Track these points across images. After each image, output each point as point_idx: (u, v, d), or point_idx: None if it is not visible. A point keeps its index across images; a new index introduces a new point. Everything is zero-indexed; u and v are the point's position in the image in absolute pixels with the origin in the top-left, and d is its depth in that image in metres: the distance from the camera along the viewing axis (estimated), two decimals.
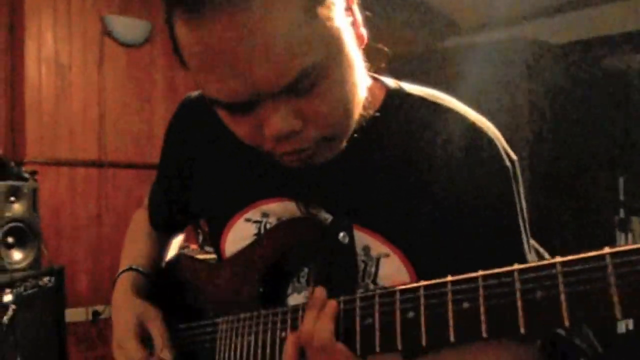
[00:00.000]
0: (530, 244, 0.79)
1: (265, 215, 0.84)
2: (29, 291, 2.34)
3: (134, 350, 0.86)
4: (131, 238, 1.07)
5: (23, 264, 2.43)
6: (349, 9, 0.69)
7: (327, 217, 0.78)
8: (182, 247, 1.15)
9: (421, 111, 0.78)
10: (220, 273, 0.88)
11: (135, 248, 1.04)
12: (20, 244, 2.44)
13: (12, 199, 2.41)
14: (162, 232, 1.05)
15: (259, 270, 0.80)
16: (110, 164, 3.54)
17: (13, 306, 2.20)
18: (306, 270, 0.81)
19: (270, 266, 0.79)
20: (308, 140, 0.68)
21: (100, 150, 3.53)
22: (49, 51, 3.34)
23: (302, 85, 0.63)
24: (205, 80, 0.64)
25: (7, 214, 2.37)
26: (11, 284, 2.24)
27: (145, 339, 0.88)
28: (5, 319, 2.15)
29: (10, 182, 2.43)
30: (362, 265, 0.77)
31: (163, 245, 1.06)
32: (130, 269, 0.97)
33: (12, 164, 2.45)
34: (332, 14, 0.64)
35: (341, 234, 0.73)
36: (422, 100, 0.79)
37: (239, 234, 0.85)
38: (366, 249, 0.77)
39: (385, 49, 0.82)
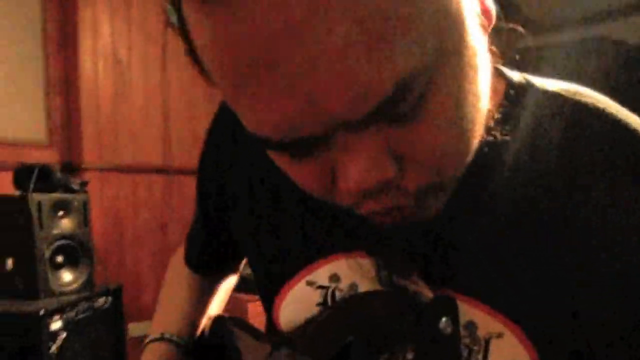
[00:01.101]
0: None
1: (334, 278, 0.63)
2: (81, 315, 2.26)
3: None
4: (166, 291, 0.90)
5: (74, 286, 2.35)
6: None
7: (422, 289, 0.57)
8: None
9: (559, 120, 0.55)
10: (275, 357, 0.66)
11: (170, 306, 0.86)
12: (70, 263, 2.36)
13: (61, 213, 2.33)
14: (204, 275, 0.87)
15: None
16: (177, 170, 3.50)
17: (63, 333, 2.13)
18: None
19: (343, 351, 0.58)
20: (407, 193, 0.47)
21: (165, 155, 3.49)
22: (105, 46, 3.28)
23: (400, 107, 0.41)
24: (242, 107, 0.43)
25: (55, 231, 2.29)
26: (61, 309, 2.16)
27: None
28: (54, 348, 2.08)
29: (58, 195, 2.34)
30: (465, 352, 0.57)
31: (204, 293, 0.87)
32: (162, 338, 0.79)
33: (59, 174, 2.35)
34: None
35: (443, 321, 0.54)
36: (562, 101, 0.56)
37: (299, 302, 0.66)
38: (471, 327, 0.57)
39: (518, 27, 0.57)
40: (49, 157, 3.18)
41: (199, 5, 0.38)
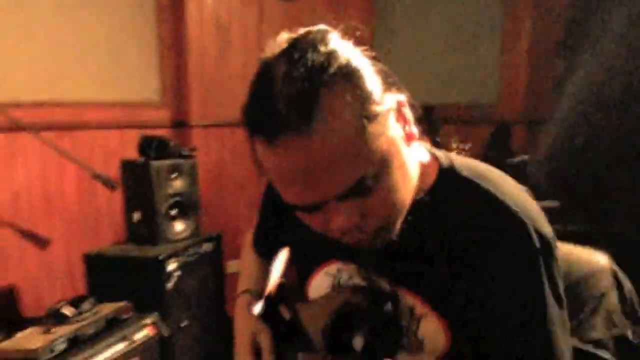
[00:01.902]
0: (564, 321, 0.97)
1: (339, 271, 1.14)
2: (191, 258, 2.91)
3: (248, 357, 1.20)
4: (245, 261, 1.46)
5: (185, 234, 2.99)
6: (399, 111, 0.91)
7: (383, 284, 1.05)
8: None
9: (463, 196, 0.99)
10: (305, 310, 1.18)
11: (248, 272, 1.42)
12: (182, 216, 3.00)
13: (174, 175, 2.95)
14: (262, 256, 1.42)
15: (326, 320, 1.09)
16: None
17: (177, 273, 2.77)
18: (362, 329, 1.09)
19: (335, 319, 1.08)
20: (367, 232, 0.92)
21: None
22: (209, 13, 3.75)
23: (360, 190, 0.85)
24: (280, 188, 0.90)
25: (170, 190, 2.92)
26: (175, 254, 2.80)
27: (257, 350, 1.21)
28: (170, 284, 2.73)
29: (172, 161, 2.94)
30: (406, 324, 1.03)
31: (266, 267, 1.41)
32: (247, 291, 1.34)
33: (172, 143, 2.94)
34: (382, 129, 0.86)
35: (387, 305, 1.02)
36: (467, 183, 0.99)
37: (319, 284, 1.17)
38: (412, 309, 1.02)
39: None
40: (161, 116, 3.78)
41: (263, 145, 0.84)
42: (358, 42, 0.91)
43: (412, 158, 0.96)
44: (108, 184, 2.97)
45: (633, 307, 1.39)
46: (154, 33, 3.75)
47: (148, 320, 2.47)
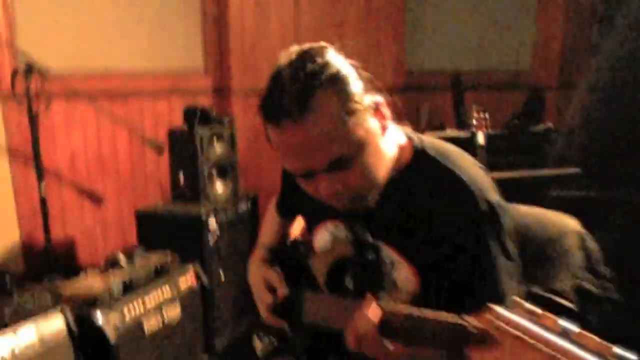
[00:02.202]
0: (513, 272, 1.24)
1: (336, 227, 1.46)
2: (230, 216, 3.26)
3: (265, 296, 1.52)
4: (267, 220, 1.80)
5: (224, 195, 3.34)
6: (377, 109, 1.22)
7: (368, 238, 1.36)
8: None
9: (428, 171, 1.29)
10: (314, 259, 1.51)
11: (267, 230, 1.76)
12: (222, 178, 3.36)
13: (215, 142, 3.30)
14: (284, 218, 1.74)
15: (327, 267, 1.43)
16: None
17: (217, 229, 3.12)
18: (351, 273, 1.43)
19: (333, 266, 1.42)
20: (346, 198, 1.23)
21: None
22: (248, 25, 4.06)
23: (340, 165, 1.17)
24: (284, 159, 1.23)
25: (211, 155, 3.27)
26: (215, 212, 3.15)
27: (272, 290, 1.52)
28: (211, 239, 3.08)
29: (213, 129, 3.29)
30: (386, 270, 1.33)
31: (284, 225, 1.74)
32: (263, 245, 1.68)
33: (214, 113, 3.27)
34: (359, 121, 1.17)
35: (369, 253, 1.33)
36: (433, 161, 1.29)
37: (321, 235, 1.50)
38: (390, 259, 1.32)
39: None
40: (204, 83, 4.11)
41: (272, 127, 1.16)
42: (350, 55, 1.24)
43: (388, 144, 1.27)
44: (156, 147, 3.32)
45: (595, 264, 1.66)
46: (198, 8, 4.08)
47: (190, 271, 2.80)
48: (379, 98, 1.24)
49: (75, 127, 3.58)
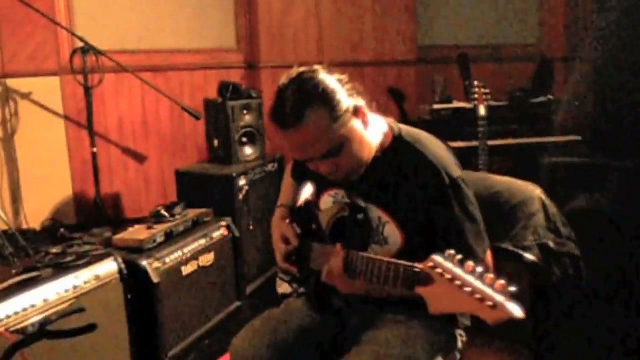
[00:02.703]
0: (479, 231, 1.46)
1: (337, 194, 1.64)
2: (257, 176, 3.40)
3: (281, 246, 1.67)
4: (284, 184, 1.92)
5: (253, 157, 3.49)
6: (358, 111, 1.42)
7: (360, 202, 1.55)
8: None
9: (404, 153, 1.51)
10: (320, 217, 1.64)
11: (285, 192, 1.89)
12: (251, 142, 3.50)
13: (245, 112, 3.43)
14: (297, 181, 1.87)
15: (329, 223, 1.59)
16: (328, 63, 4.27)
17: (246, 187, 3.26)
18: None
19: (334, 222, 1.58)
20: (339, 175, 1.48)
21: (319, 53, 4.34)
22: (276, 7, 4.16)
23: (331, 154, 1.40)
24: (289, 150, 1.45)
25: (242, 123, 3.41)
26: (245, 172, 3.29)
27: (287, 241, 1.68)
28: (241, 196, 3.23)
29: (243, 101, 3.43)
30: (375, 227, 1.52)
31: (297, 188, 1.85)
32: (281, 205, 1.83)
33: (244, 87, 3.40)
34: (343, 124, 1.39)
35: (360, 214, 1.52)
36: (407, 144, 1.51)
37: (325, 200, 1.67)
38: (380, 218, 1.52)
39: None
40: (236, 59, 4.24)
41: (279, 131, 1.39)
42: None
43: (373, 133, 1.50)
44: (193, 114, 3.47)
45: (555, 225, 1.80)
46: None
47: (223, 223, 2.94)
48: (360, 101, 1.44)
49: (123, 97, 3.75)
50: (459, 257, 1.12)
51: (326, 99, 1.37)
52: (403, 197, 1.48)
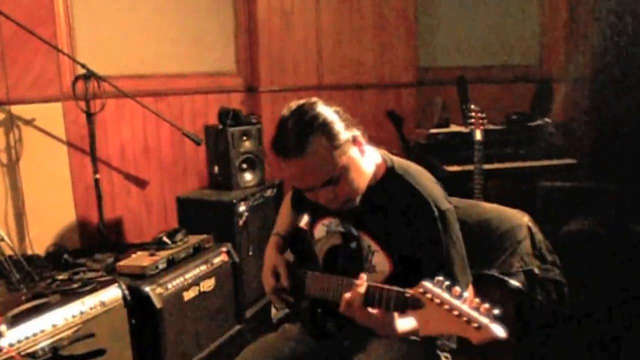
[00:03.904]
0: (463, 264, 1.60)
1: (330, 222, 1.79)
2: (257, 202, 3.60)
3: (269, 280, 1.81)
4: (282, 211, 2.07)
5: (252, 183, 3.69)
6: (355, 140, 1.55)
7: (353, 230, 1.70)
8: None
9: (397, 184, 1.63)
10: (314, 246, 1.81)
11: (282, 220, 2.04)
12: (250, 168, 3.70)
13: (244, 138, 3.65)
14: (295, 210, 2.02)
15: (322, 252, 1.76)
16: (326, 87, 4.50)
17: (246, 213, 3.46)
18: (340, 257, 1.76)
19: (328, 252, 1.74)
20: (337, 202, 1.57)
21: (319, 77, 4.52)
22: (276, 1, 4.36)
23: (331, 182, 1.51)
24: (291, 181, 1.59)
25: (241, 149, 3.62)
26: (245, 198, 3.49)
27: (277, 275, 1.84)
28: (241, 222, 3.43)
29: (243, 127, 3.64)
30: (365, 255, 1.67)
31: (295, 216, 2.02)
32: (277, 234, 1.97)
33: (244, 113, 3.62)
34: (342, 153, 1.50)
35: (352, 244, 1.69)
36: (399, 176, 1.64)
37: (319, 229, 1.83)
38: (369, 246, 1.66)
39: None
40: (236, 83, 4.45)
41: (281, 161, 1.52)
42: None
43: (368, 163, 1.61)
44: (194, 140, 3.68)
45: (541, 252, 1.98)
46: (231, 17, 4.43)
47: (223, 249, 3.12)
48: (356, 132, 1.57)
49: (125, 122, 3.94)
50: (447, 283, 1.24)
51: (326, 129, 1.48)
52: (393, 227, 1.60)
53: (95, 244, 3.68)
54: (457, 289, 1.22)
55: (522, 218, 2.00)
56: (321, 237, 1.79)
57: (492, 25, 4.88)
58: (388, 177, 1.65)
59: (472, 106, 3.44)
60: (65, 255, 3.43)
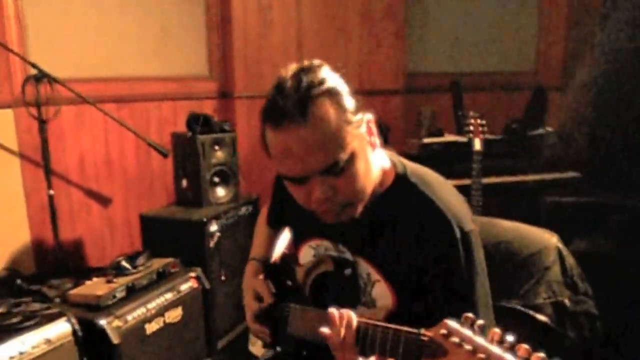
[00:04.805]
0: (487, 301, 1.36)
1: (319, 245, 1.60)
2: (230, 220, 3.40)
3: (252, 304, 1.67)
4: (258, 232, 1.91)
5: (225, 199, 3.49)
6: (367, 125, 1.33)
7: (348, 255, 1.50)
8: None
9: (408, 196, 1.40)
10: (298, 272, 1.60)
11: (258, 242, 1.88)
12: (223, 182, 3.50)
13: (216, 148, 3.44)
14: (274, 229, 1.86)
15: (309, 281, 1.55)
16: None
17: (218, 233, 3.27)
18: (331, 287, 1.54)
19: (316, 281, 1.54)
20: (336, 204, 1.31)
21: None
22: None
23: (334, 169, 1.25)
24: (280, 164, 1.29)
25: (213, 160, 3.41)
26: (217, 216, 3.29)
27: (259, 299, 1.66)
28: (212, 243, 3.23)
29: (214, 135, 3.43)
30: (362, 285, 1.46)
31: (273, 237, 1.85)
32: (254, 259, 1.81)
33: (215, 120, 3.42)
34: (355, 132, 1.27)
35: (348, 270, 1.47)
36: (413, 187, 1.40)
37: (306, 252, 1.64)
38: (368, 275, 1.44)
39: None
40: (209, 88, 4.25)
41: (272, 128, 1.25)
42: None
43: (374, 161, 1.37)
44: (161, 151, 3.47)
45: (573, 279, 1.78)
46: (203, 14, 4.22)
47: (192, 274, 2.95)
48: (368, 115, 1.35)
49: (84, 132, 3.73)
50: (480, 322, 0.99)
51: (335, 97, 1.27)
52: (401, 252, 1.38)
53: (52, 267, 3.49)
54: (497, 330, 0.96)
55: (551, 239, 1.81)
56: (308, 263, 1.58)
57: (486, 29, 4.84)
58: (398, 187, 1.43)
59: (471, 112, 3.31)
60: (19, 281, 3.24)
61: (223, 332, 3.34)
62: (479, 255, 1.37)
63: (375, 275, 1.43)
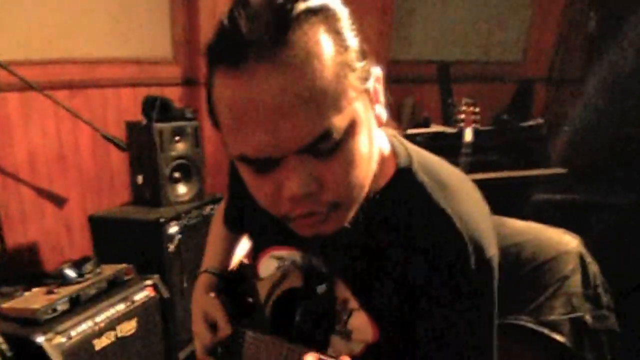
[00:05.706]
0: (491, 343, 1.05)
1: (284, 256, 1.28)
2: (193, 221, 3.18)
3: (203, 334, 1.39)
4: (211, 239, 1.63)
5: (188, 197, 3.27)
6: (375, 90, 0.95)
7: (323, 269, 1.18)
8: None
9: (414, 204, 1.03)
10: (260, 287, 1.34)
11: (212, 249, 1.59)
12: (185, 178, 3.28)
13: (177, 138, 3.19)
14: (232, 231, 1.58)
15: (272, 299, 1.29)
16: None
17: (178, 236, 3.05)
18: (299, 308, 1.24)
19: (281, 299, 1.28)
20: (321, 204, 0.89)
21: None
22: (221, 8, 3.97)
23: (323, 146, 0.83)
24: (235, 136, 0.84)
25: (173, 153, 3.17)
26: (177, 217, 3.08)
27: (213, 326, 1.38)
28: (172, 247, 3.02)
29: (174, 123, 3.18)
30: (339, 311, 1.13)
31: (233, 241, 1.59)
32: (206, 271, 1.53)
33: (176, 105, 3.20)
34: (360, 87, 0.87)
35: (321, 287, 1.14)
36: (421, 190, 1.03)
37: (267, 264, 1.32)
38: (345, 301, 1.12)
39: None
40: (172, 73, 4.03)
41: (225, 76, 0.80)
42: None
43: (376, 141, 0.98)
44: (118, 145, 3.26)
45: (596, 291, 1.54)
46: None
47: (148, 282, 2.75)
48: (377, 70, 0.97)
49: (33, 123, 3.52)
50: None
51: (333, 22, 0.85)
52: (392, 278, 1.05)
53: (4, 274, 3.31)
54: None
55: (571, 243, 1.58)
56: (271, 276, 1.27)
57: (476, 16, 4.79)
58: (398, 186, 1.05)
59: (465, 99, 3.12)
60: None
61: (184, 343, 3.17)
62: (494, 286, 1.04)
63: (353, 303, 1.11)
